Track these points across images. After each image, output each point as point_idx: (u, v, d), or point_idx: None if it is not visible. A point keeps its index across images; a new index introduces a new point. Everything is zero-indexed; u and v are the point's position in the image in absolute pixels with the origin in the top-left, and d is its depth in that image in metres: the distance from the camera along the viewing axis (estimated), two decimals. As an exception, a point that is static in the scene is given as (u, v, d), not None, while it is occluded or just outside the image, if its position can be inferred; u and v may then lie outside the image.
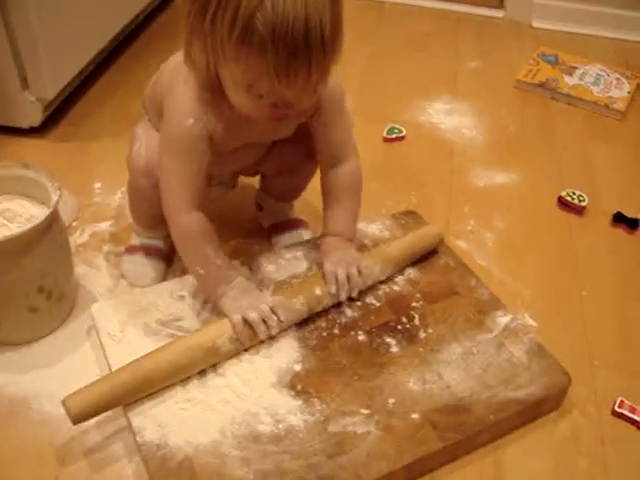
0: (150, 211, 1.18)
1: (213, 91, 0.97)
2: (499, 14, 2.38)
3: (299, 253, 1.21)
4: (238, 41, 0.84)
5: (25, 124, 1.58)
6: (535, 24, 2.33)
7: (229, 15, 0.83)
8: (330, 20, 0.85)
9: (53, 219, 1.05)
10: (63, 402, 0.92)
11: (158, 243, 1.26)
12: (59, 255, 1.10)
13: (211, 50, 0.89)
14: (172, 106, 1.00)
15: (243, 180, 1.36)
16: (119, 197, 1.41)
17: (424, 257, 1.22)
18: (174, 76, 1.02)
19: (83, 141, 1.58)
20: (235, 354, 1.02)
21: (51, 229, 1.05)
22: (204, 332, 1.02)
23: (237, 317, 1.01)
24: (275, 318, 1.03)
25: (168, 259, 1.27)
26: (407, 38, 2.18)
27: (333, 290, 1.08)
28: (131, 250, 1.26)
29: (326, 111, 1.09)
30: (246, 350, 1.03)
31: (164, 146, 1.03)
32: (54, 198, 1.05)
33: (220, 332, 1.01)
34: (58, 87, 1.59)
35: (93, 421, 0.97)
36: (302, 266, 1.18)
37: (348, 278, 1.09)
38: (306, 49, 0.83)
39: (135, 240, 1.27)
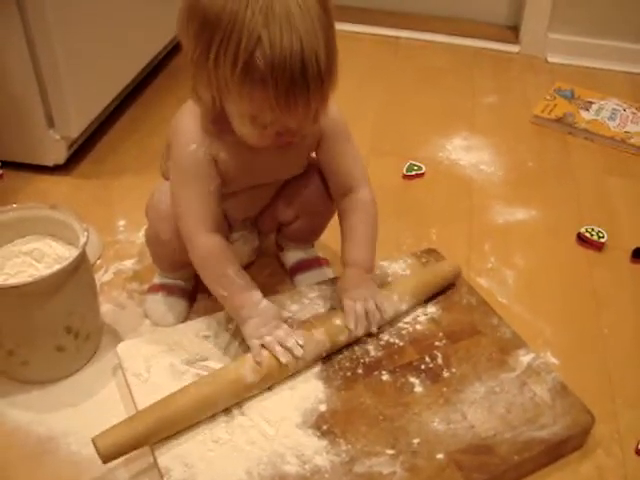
0: (172, 257, 1.20)
1: (217, 123, 1.03)
2: (514, 49, 2.40)
3: (322, 292, 1.22)
4: (241, 77, 0.89)
5: (50, 162, 1.60)
6: (550, 59, 2.35)
7: (230, 54, 0.88)
8: (325, 50, 0.90)
9: (81, 260, 1.07)
10: (93, 441, 0.93)
11: (180, 283, 1.28)
12: (86, 295, 1.12)
13: (215, 86, 0.94)
14: (177, 137, 1.06)
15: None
16: (143, 235, 1.42)
17: (444, 293, 1.24)
18: (178, 114, 1.07)
19: (106, 178, 1.60)
20: (260, 387, 1.03)
21: (79, 270, 1.07)
22: (227, 366, 1.04)
23: (254, 341, 1.03)
24: (293, 341, 1.04)
25: (191, 298, 1.28)
26: (423, 73, 2.20)
27: (352, 325, 1.09)
28: (154, 289, 1.27)
29: (330, 140, 1.14)
30: (270, 389, 1.04)
31: (173, 176, 1.08)
32: (82, 239, 1.06)
33: (242, 363, 1.03)
34: (82, 125, 1.61)
35: (121, 460, 0.97)
36: (325, 305, 1.19)
37: (366, 313, 1.11)
38: (303, 81, 0.89)
39: (157, 279, 1.28)
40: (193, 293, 1.29)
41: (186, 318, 1.25)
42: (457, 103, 2.03)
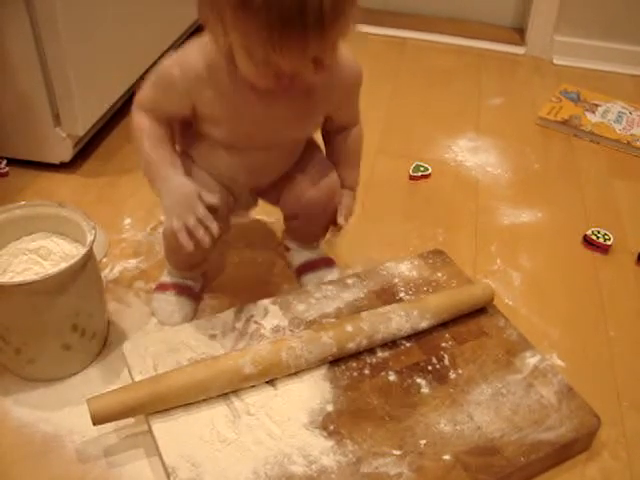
0: (187, 257, 1.20)
1: (222, 62, 1.00)
2: (520, 51, 2.40)
3: (329, 292, 1.22)
4: (237, 6, 0.86)
5: (56, 160, 1.60)
6: (556, 61, 2.35)
7: None
8: None
9: (88, 258, 1.07)
10: (87, 403, 0.96)
11: (190, 282, 1.27)
12: (93, 293, 1.12)
13: (216, 16, 0.91)
14: (175, 54, 1.05)
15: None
16: (149, 233, 1.42)
17: (472, 317, 1.20)
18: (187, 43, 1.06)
19: (112, 176, 1.60)
20: (258, 380, 1.04)
21: (86, 268, 1.06)
22: (228, 354, 1.05)
23: (176, 224, 1.02)
24: (202, 232, 1.01)
25: (198, 298, 1.28)
26: (429, 74, 2.20)
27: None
28: (162, 288, 1.27)
29: (343, 95, 1.13)
30: (276, 388, 1.04)
31: (150, 75, 1.09)
32: (89, 237, 1.06)
33: (243, 353, 1.04)
34: (89, 123, 1.61)
35: (126, 457, 0.98)
36: (332, 305, 1.19)
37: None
38: (300, 20, 0.84)
39: (166, 278, 1.28)
40: (201, 294, 1.29)
41: (193, 318, 1.24)
42: (463, 104, 2.03)
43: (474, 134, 1.87)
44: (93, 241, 1.06)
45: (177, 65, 1.03)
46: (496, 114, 1.99)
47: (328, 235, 1.29)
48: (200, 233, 1.01)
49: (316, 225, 1.28)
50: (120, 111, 1.81)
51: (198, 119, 1.09)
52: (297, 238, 1.33)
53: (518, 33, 2.49)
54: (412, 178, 1.65)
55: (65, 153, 1.60)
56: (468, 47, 2.41)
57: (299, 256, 1.34)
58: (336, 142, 1.22)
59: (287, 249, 1.36)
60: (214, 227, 1.03)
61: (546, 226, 1.54)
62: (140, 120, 1.09)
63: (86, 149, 1.68)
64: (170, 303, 1.24)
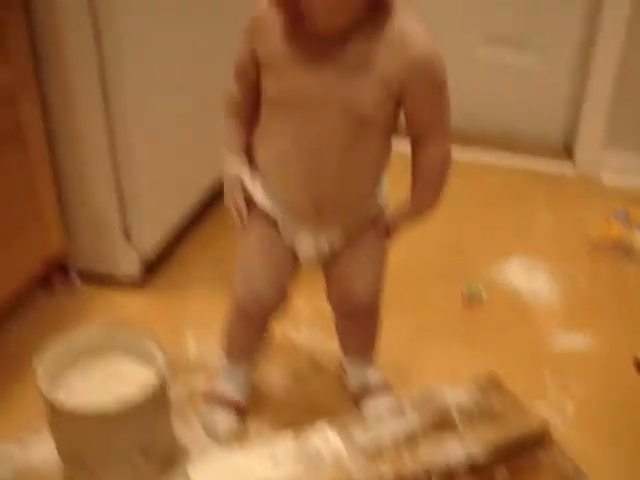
0: (244, 335, 1.30)
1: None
2: (569, 168, 2.46)
3: (386, 418, 1.25)
4: None
5: (124, 274, 1.69)
6: (605, 178, 2.40)
7: None
8: None
9: (160, 385, 1.12)
10: None
11: (237, 395, 1.34)
12: (162, 417, 1.17)
13: None
14: None
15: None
16: (212, 351, 1.47)
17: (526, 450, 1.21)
18: None
19: (177, 292, 1.68)
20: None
21: (157, 393, 1.12)
22: None
23: (226, 200, 1.25)
24: (236, 214, 1.23)
25: (244, 412, 1.34)
26: (481, 193, 2.27)
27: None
28: (209, 398, 1.34)
29: (414, 86, 1.08)
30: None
31: None
32: (161, 365, 1.12)
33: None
34: (158, 242, 1.71)
35: None
36: (389, 431, 1.21)
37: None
38: None
39: (215, 389, 1.34)
40: (247, 408, 1.35)
41: (238, 432, 1.31)
42: (515, 224, 2.08)
43: (525, 255, 1.91)
44: (165, 369, 1.12)
45: (251, 14, 1.12)
46: (546, 235, 2.03)
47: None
48: (233, 214, 1.23)
49: (362, 325, 1.33)
50: (187, 227, 1.89)
51: (260, 71, 1.14)
52: (350, 349, 1.37)
53: (566, 150, 2.56)
54: (466, 302, 1.70)
55: (133, 268, 1.68)
56: (518, 165, 2.48)
57: (356, 378, 1.38)
58: (418, 157, 1.17)
59: (344, 371, 1.40)
60: (243, 214, 1.22)
61: (598, 351, 1.56)
62: (231, 91, 1.21)
63: (153, 264, 1.76)
64: (216, 416, 1.31)
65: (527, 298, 1.74)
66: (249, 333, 1.32)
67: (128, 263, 1.67)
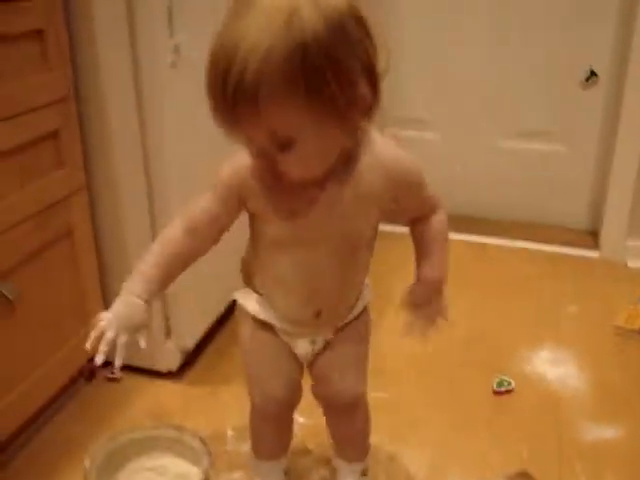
0: (268, 434, 1.33)
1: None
2: (594, 254, 2.52)
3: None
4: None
5: (164, 368, 1.75)
6: (630, 264, 2.45)
7: None
8: (261, 68, 0.85)
9: (205, 481, 1.18)
10: None
11: None
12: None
13: None
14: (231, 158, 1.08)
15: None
16: (249, 444, 1.52)
17: None
18: None
19: (216, 385, 1.73)
20: None
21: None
22: None
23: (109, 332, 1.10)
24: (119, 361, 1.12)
25: None
26: (508, 280, 2.32)
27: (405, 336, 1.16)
28: None
29: (402, 191, 1.12)
30: None
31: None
32: (206, 463, 1.18)
33: None
34: (197, 337, 1.77)
35: None
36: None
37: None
38: (223, 82, 0.87)
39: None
40: None
41: None
42: (541, 312, 2.13)
43: (554, 344, 1.95)
44: (210, 470, 1.17)
45: (229, 166, 1.07)
46: (574, 322, 2.07)
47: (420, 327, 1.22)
48: (102, 348, 1.10)
49: (349, 421, 1.33)
50: (223, 318, 1.96)
51: (250, 217, 1.14)
52: (341, 451, 1.38)
53: (592, 236, 2.61)
54: (496, 393, 1.73)
55: (173, 363, 1.74)
56: (544, 251, 2.54)
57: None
58: (414, 232, 1.20)
59: (335, 470, 1.42)
60: (117, 361, 1.12)
61: (629, 442, 1.58)
62: (172, 228, 1.12)
63: (191, 357, 1.83)
64: None
65: (557, 387, 1.77)
66: (272, 432, 1.36)
67: (167, 358, 1.74)
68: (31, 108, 1.38)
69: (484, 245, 2.59)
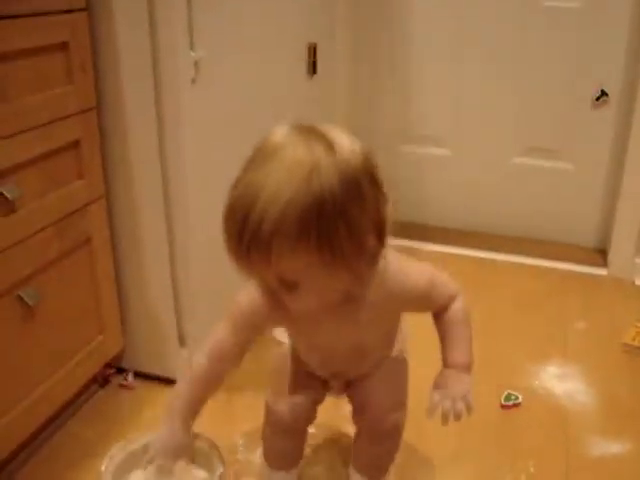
0: (282, 444, 1.37)
1: None
2: (602, 272, 2.53)
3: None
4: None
5: (177, 377, 1.76)
6: (638, 282, 2.46)
7: None
8: (288, 216, 0.90)
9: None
10: None
11: None
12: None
13: None
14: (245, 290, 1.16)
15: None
16: (260, 455, 1.54)
17: None
18: None
19: (228, 394, 1.74)
20: None
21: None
22: None
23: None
24: None
25: None
26: (517, 296, 2.35)
27: (442, 420, 1.17)
28: None
29: (404, 306, 1.22)
30: None
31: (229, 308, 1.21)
32: (219, 469, 1.20)
33: None
34: (210, 344, 1.79)
35: None
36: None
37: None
38: (240, 230, 0.92)
39: None
40: None
41: None
42: (549, 328, 2.15)
43: (561, 359, 1.97)
44: (223, 474, 1.19)
45: (246, 296, 1.15)
46: (581, 339, 2.09)
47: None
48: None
49: (381, 448, 1.35)
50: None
51: None
52: (361, 466, 1.38)
53: (600, 254, 2.63)
54: (503, 407, 1.75)
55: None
56: (552, 268, 2.57)
57: None
58: (435, 322, 1.24)
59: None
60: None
61: (636, 457, 1.59)
62: (196, 360, 1.23)
63: (203, 365, 1.84)
64: None
65: (565, 403, 1.79)
66: (286, 443, 1.39)
67: (181, 366, 1.76)
68: (54, 119, 1.42)
69: (493, 261, 2.61)
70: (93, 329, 1.64)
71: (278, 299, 1.03)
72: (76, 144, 1.50)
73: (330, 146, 0.93)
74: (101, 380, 1.79)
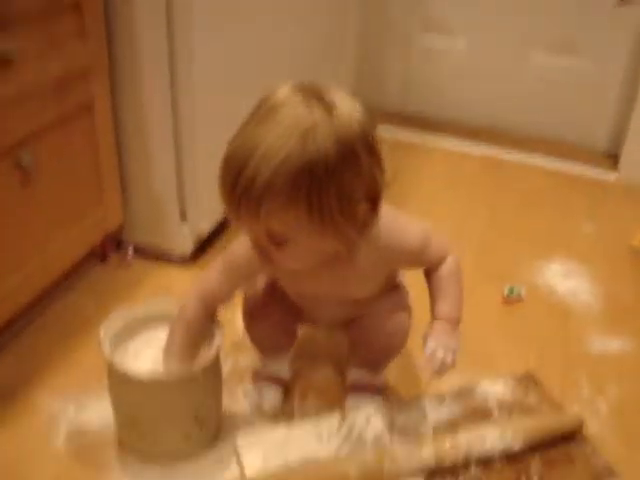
0: (266, 332, 1.35)
1: None
2: (612, 176, 2.48)
3: (427, 406, 1.31)
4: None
5: (178, 253, 1.75)
6: (648, 187, 2.43)
7: None
8: (280, 174, 0.92)
9: (216, 357, 1.18)
10: None
11: (280, 371, 1.40)
12: (215, 388, 1.23)
13: None
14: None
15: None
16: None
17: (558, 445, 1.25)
18: None
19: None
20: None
21: (213, 366, 1.18)
22: (337, 460, 1.16)
23: None
24: None
25: (286, 385, 1.41)
26: (523, 195, 2.31)
27: (428, 365, 1.14)
28: (254, 379, 1.40)
29: (407, 264, 1.26)
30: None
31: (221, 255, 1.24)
32: (218, 339, 1.18)
33: (348, 460, 1.14)
34: (213, 222, 1.77)
35: None
36: (430, 418, 1.28)
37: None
38: (233, 184, 0.96)
39: (257, 367, 1.41)
40: (288, 381, 1.42)
41: (281, 405, 1.37)
42: (555, 228, 2.12)
43: (566, 258, 1.95)
44: (221, 343, 1.18)
45: (239, 245, 1.17)
46: (587, 240, 2.06)
47: (427, 378, 1.27)
48: None
49: (378, 356, 1.35)
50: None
51: None
52: (360, 362, 1.37)
53: (612, 158, 2.58)
54: (506, 301, 1.74)
55: (187, 247, 1.74)
56: (561, 169, 2.51)
57: (353, 372, 1.39)
58: (429, 278, 1.25)
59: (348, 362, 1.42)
60: None
61: (634, 355, 1.59)
62: (188, 306, 1.21)
63: (205, 244, 1.83)
64: (258, 391, 1.37)
65: (566, 300, 1.77)
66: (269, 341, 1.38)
67: (182, 241, 1.74)
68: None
69: (500, 159, 2.56)
70: (92, 200, 1.60)
71: (267, 253, 1.05)
72: (77, 3, 1.42)
73: (330, 109, 0.95)
74: (100, 255, 1.76)
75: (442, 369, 1.14)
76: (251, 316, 1.33)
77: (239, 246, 1.17)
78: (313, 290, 1.23)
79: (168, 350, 1.19)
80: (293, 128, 0.93)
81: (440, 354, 1.13)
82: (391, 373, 1.43)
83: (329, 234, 1.00)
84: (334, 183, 0.94)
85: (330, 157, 0.93)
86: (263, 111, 0.97)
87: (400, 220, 1.18)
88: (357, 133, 0.97)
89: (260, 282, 1.32)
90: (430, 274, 1.24)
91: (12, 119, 1.31)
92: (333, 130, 0.94)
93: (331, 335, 1.47)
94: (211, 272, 1.22)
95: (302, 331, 1.43)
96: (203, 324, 1.21)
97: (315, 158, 0.93)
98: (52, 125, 1.42)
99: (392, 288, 1.31)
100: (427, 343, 1.15)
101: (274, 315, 1.31)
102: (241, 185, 0.94)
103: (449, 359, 1.14)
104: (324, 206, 0.95)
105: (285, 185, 0.93)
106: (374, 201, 1.03)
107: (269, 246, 1.03)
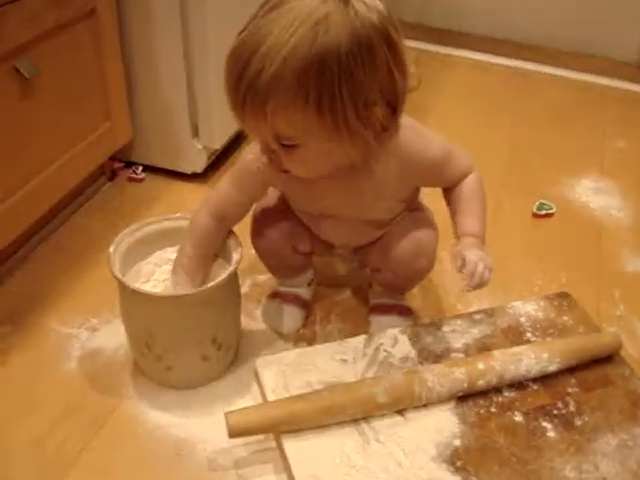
0: (284, 265, 1.29)
1: None
2: (645, 90, 2.37)
3: (457, 327, 1.24)
4: None
5: (190, 170, 1.67)
6: (681, 102, 2.31)
7: None
8: (286, 69, 0.86)
9: (233, 276, 1.11)
10: (225, 416, 1.01)
11: (299, 291, 1.33)
12: (233, 309, 1.17)
13: None
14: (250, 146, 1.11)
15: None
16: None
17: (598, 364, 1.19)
18: None
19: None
20: (390, 409, 1.06)
21: (230, 284, 1.11)
22: (362, 381, 1.09)
23: None
24: None
25: (307, 307, 1.34)
26: (551, 109, 2.20)
27: (469, 277, 1.04)
28: (271, 296, 1.34)
29: (426, 180, 1.16)
30: (405, 418, 1.07)
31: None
32: (235, 256, 1.11)
33: (376, 382, 1.07)
34: (225, 137, 1.68)
35: (255, 470, 1.04)
36: (460, 340, 1.21)
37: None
38: (238, 79, 0.89)
39: (276, 287, 1.35)
40: (310, 302, 1.35)
41: (302, 326, 1.31)
42: (586, 143, 2.02)
43: (597, 175, 1.85)
44: (239, 261, 1.10)
45: (251, 154, 1.09)
46: (620, 156, 1.96)
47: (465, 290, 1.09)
48: None
49: (404, 279, 1.27)
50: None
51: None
52: (382, 285, 1.31)
53: (644, 71, 2.46)
54: (536, 216, 1.66)
55: (199, 164, 1.66)
56: (591, 83, 2.39)
57: (377, 295, 1.33)
58: (450, 196, 1.16)
59: (370, 285, 1.35)
60: None
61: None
62: (199, 219, 1.14)
63: (218, 160, 1.74)
64: (277, 311, 1.30)
65: (599, 216, 1.69)
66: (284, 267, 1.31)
67: (193, 159, 1.66)
68: None
69: (526, 71, 2.43)
70: (99, 114, 1.51)
71: (278, 160, 0.98)
72: None
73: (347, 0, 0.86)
74: (109, 173, 1.69)
75: (481, 284, 1.05)
76: (259, 226, 1.23)
77: (251, 154, 1.09)
78: (327, 208, 1.15)
79: (177, 263, 1.13)
80: (305, 17, 0.85)
81: (480, 268, 1.04)
82: (413, 300, 1.36)
83: (342, 137, 0.92)
84: (346, 80, 0.86)
85: (342, 50, 0.85)
86: (273, 1, 0.89)
87: (421, 130, 1.09)
88: (376, 26, 0.87)
89: (272, 197, 1.24)
90: (451, 192, 1.15)
91: (8, 24, 1.21)
92: (349, 20, 0.86)
93: (350, 268, 1.38)
94: (221, 183, 1.15)
95: (317, 262, 1.36)
96: (214, 238, 1.14)
97: (327, 50, 0.85)
98: (52, 31, 1.32)
99: (414, 209, 1.23)
100: (466, 256, 1.05)
101: (283, 226, 1.22)
102: (247, 79, 0.87)
103: (487, 274, 1.05)
104: (336, 106, 0.88)
105: (293, 79, 0.86)
106: (394, 105, 0.94)
107: (279, 152, 0.96)
